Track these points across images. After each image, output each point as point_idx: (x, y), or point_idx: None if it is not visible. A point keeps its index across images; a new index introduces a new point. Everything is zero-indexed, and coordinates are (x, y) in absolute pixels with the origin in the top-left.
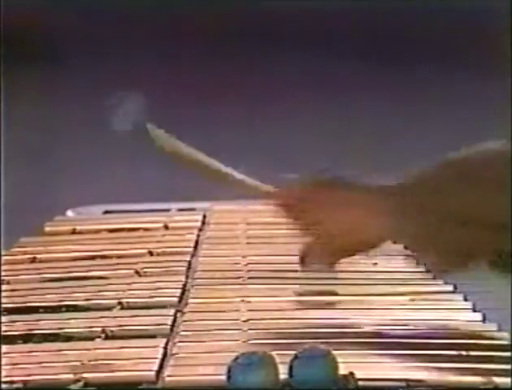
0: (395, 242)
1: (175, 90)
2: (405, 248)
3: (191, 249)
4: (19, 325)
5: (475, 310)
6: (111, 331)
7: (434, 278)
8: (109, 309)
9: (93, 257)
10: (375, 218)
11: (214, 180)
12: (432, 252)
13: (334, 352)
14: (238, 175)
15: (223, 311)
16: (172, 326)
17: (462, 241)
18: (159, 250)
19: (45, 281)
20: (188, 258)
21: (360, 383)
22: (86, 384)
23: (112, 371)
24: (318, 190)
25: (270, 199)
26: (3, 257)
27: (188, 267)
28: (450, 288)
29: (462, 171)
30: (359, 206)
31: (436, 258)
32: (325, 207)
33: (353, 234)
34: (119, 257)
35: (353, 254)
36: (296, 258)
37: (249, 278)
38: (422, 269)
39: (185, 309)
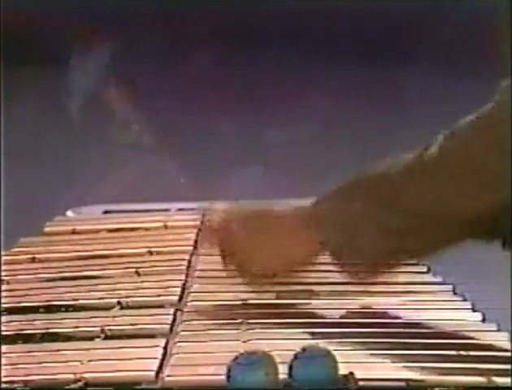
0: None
1: (174, 90)
2: (332, 257)
3: (190, 249)
4: (19, 325)
5: (474, 310)
6: (111, 331)
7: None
8: (108, 308)
9: (93, 257)
10: (296, 237)
11: None
12: (354, 258)
13: (334, 351)
14: None
15: (223, 311)
16: (172, 325)
17: (377, 247)
18: (159, 250)
19: (45, 281)
20: (187, 258)
21: (360, 383)
22: (86, 384)
23: (112, 371)
24: (239, 224)
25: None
26: (3, 257)
27: (188, 267)
28: (450, 287)
29: (369, 190)
30: (282, 226)
31: (356, 265)
32: (248, 236)
33: (280, 256)
34: (119, 256)
35: (288, 272)
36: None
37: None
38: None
39: (185, 309)
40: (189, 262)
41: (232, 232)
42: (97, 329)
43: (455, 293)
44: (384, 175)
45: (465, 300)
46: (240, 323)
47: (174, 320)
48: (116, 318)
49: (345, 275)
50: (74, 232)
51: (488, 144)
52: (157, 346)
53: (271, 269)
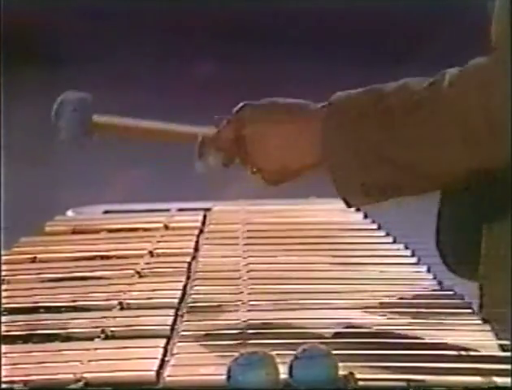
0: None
1: (174, 90)
2: (330, 172)
3: (191, 250)
4: (19, 325)
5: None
6: (111, 332)
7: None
8: (109, 309)
9: (93, 257)
10: (307, 139)
11: (157, 140)
12: (354, 178)
13: (334, 351)
14: (177, 127)
15: (223, 311)
16: (172, 326)
17: (384, 179)
18: (159, 251)
19: (45, 281)
20: (188, 259)
21: (360, 383)
22: (86, 384)
23: (112, 371)
24: (246, 125)
25: (210, 143)
26: (3, 257)
27: (189, 267)
28: (450, 287)
29: (391, 112)
30: (289, 131)
31: (355, 185)
32: (256, 140)
33: (288, 158)
34: (120, 257)
35: (295, 176)
36: (295, 258)
37: (249, 278)
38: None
39: (185, 310)
40: (190, 262)
41: (240, 136)
42: (98, 329)
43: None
44: (389, 107)
45: (463, 299)
46: (240, 323)
47: (174, 320)
48: (117, 319)
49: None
50: (74, 232)
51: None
52: (157, 346)
53: (275, 175)
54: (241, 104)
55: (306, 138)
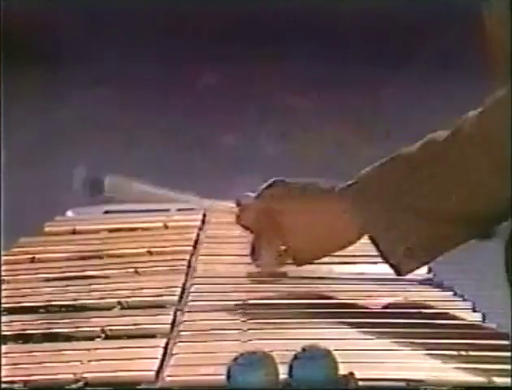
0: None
1: (174, 89)
2: (372, 241)
3: (191, 249)
4: (19, 325)
5: (474, 310)
6: (111, 331)
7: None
8: (109, 308)
9: (93, 257)
10: (340, 217)
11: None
12: (399, 245)
13: (335, 352)
14: (185, 197)
15: (223, 311)
16: (172, 326)
17: (425, 235)
18: (159, 250)
19: (45, 281)
20: (187, 258)
21: (360, 383)
22: (86, 384)
23: (112, 371)
24: (277, 202)
25: (232, 218)
26: (3, 257)
27: (188, 267)
28: (450, 288)
29: (414, 166)
30: (322, 210)
31: (401, 251)
32: (288, 217)
33: (322, 238)
34: (119, 256)
35: (326, 255)
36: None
37: (249, 278)
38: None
39: (185, 309)
40: (189, 261)
41: (271, 212)
42: (98, 329)
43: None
44: (410, 161)
45: (465, 300)
46: (240, 323)
47: (174, 320)
48: (116, 318)
49: (384, 262)
50: (74, 232)
51: (484, 149)
52: (157, 346)
53: (307, 255)
54: (271, 180)
55: (341, 217)
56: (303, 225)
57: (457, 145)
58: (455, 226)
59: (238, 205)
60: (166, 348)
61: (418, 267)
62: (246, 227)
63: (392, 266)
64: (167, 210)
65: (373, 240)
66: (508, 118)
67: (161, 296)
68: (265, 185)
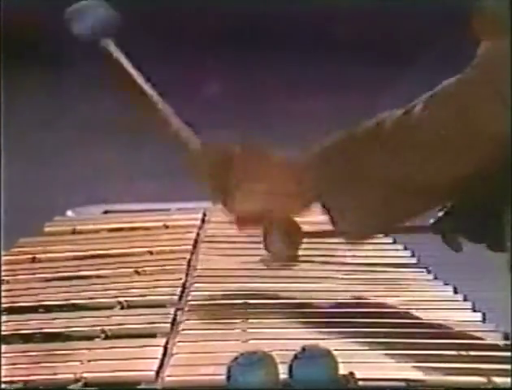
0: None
1: (174, 89)
2: (324, 208)
3: (190, 248)
4: (19, 325)
5: (474, 310)
6: (111, 331)
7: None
8: (109, 308)
9: (93, 257)
10: (298, 182)
11: (148, 113)
12: (353, 214)
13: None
14: (174, 120)
15: (223, 310)
16: (172, 325)
17: (379, 204)
18: (159, 249)
19: (44, 281)
20: (187, 257)
21: (360, 383)
22: (86, 384)
23: (112, 371)
24: (241, 156)
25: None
26: (3, 257)
27: (188, 266)
28: (450, 288)
29: (369, 137)
30: (280, 175)
31: (355, 221)
32: (247, 174)
33: (271, 204)
34: (119, 256)
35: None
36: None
37: (249, 277)
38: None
39: (185, 309)
40: (189, 261)
41: (230, 168)
42: (98, 329)
43: (457, 293)
44: (361, 139)
45: (465, 300)
46: (241, 323)
47: (174, 320)
48: (116, 318)
49: (336, 233)
50: (74, 232)
51: (454, 115)
52: (157, 346)
53: (260, 214)
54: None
55: (298, 182)
56: (258, 175)
57: (409, 125)
58: (405, 195)
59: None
60: (166, 347)
61: (368, 235)
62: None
63: (342, 233)
64: (167, 210)
65: (324, 207)
66: (463, 105)
67: (161, 295)
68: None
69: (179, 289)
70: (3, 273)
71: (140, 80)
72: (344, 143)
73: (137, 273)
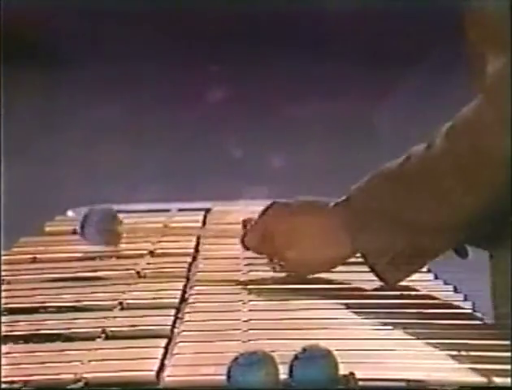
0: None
1: (174, 90)
2: (363, 257)
3: (191, 250)
4: (19, 325)
5: (474, 310)
6: (112, 332)
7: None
8: (109, 309)
9: (93, 258)
10: (333, 233)
11: None
12: (383, 257)
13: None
14: None
15: (224, 311)
16: (173, 326)
17: (406, 246)
18: (160, 251)
19: (45, 281)
20: (188, 259)
21: (360, 383)
22: (86, 384)
23: (112, 371)
24: (274, 222)
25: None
26: (3, 257)
27: (189, 267)
28: (451, 287)
29: (394, 180)
30: (316, 226)
31: (385, 262)
32: (284, 235)
33: (317, 253)
34: (120, 257)
35: (322, 270)
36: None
37: (249, 278)
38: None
39: (186, 310)
40: (190, 262)
41: (269, 232)
42: (98, 329)
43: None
44: (391, 175)
45: (466, 299)
46: (241, 323)
47: (175, 320)
48: (117, 319)
49: (378, 279)
50: (74, 232)
51: (468, 150)
52: (158, 346)
53: (303, 269)
54: (269, 203)
55: (333, 233)
56: (299, 241)
57: (429, 159)
58: (432, 237)
59: (244, 226)
60: (166, 348)
61: (402, 277)
62: (250, 249)
63: (378, 276)
64: (168, 211)
65: (362, 254)
66: (475, 134)
67: (161, 296)
68: (265, 207)
69: (179, 290)
70: (3, 273)
71: None
72: (375, 185)
73: (138, 274)
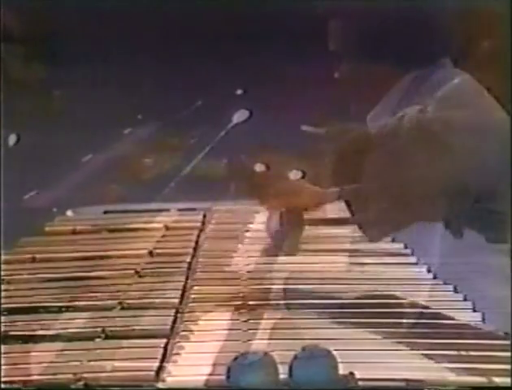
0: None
1: (173, 90)
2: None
3: (191, 250)
4: (19, 325)
5: (474, 310)
6: (111, 332)
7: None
8: (109, 309)
9: (93, 257)
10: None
11: None
12: (372, 212)
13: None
14: None
15: (223, 311)
16: (172, 326)
17: (395, 206)
18: (159, 250)
19: (45, 281)
20: (188, 259)
21: (360, 383)
22: (86, 384)
23: (112, 371)
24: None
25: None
26: (3, 257)
27: (189, 267)
28: (451, 287)
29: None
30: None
31: (373, 219)
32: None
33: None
34: (119, 257)
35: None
36: (294, 258)
37: (249, 278)
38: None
39: (185, 310)
40: (190, 262)
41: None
42: (98, 329)
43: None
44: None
45: (466, 299)
46: (240, 323)
47: (174, 320)
48: (117, 319)
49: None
50: (74, 232)
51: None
52: (157, 346)
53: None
54: None
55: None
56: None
57: (399, 135)
58: (404, 205)
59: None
60: (166, 348)
61: (385, 234)
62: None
63: (361, 230)
64: (168, 210)
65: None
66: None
67: (161, 296)
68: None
69: (179, 290)
70: (3, 273)
71: None
72: (360, 142)
73: (138, 274)
